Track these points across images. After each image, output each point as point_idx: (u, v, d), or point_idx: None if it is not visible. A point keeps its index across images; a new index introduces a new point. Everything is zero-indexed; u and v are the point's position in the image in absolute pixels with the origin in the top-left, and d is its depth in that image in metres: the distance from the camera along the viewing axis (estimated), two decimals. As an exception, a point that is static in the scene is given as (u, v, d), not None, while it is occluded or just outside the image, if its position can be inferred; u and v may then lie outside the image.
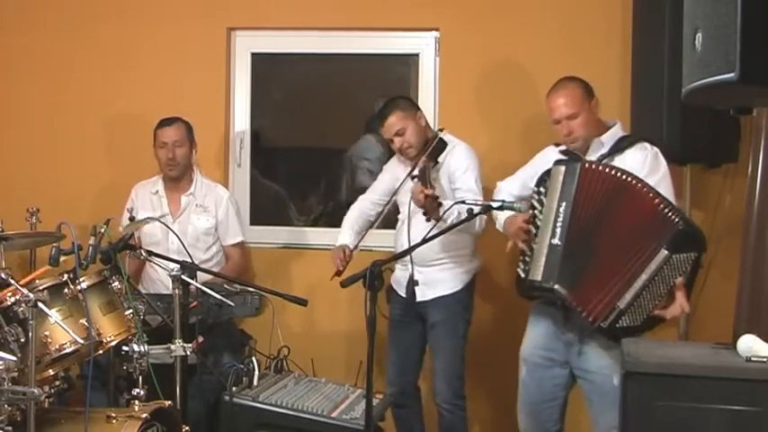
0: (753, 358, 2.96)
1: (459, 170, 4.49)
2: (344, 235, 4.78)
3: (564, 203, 3.84)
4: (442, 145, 4.53)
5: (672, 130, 4.05)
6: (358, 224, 4.81)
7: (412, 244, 4.34)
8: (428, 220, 4.12)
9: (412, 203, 4.42)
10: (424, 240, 3.96)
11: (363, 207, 4.88)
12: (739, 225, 3.55)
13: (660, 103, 4.37)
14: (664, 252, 3.59)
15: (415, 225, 4.48)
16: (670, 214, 3.63)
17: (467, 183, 4.46)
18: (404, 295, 4.63)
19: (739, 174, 4.48)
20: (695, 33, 2.97)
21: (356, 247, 4.71)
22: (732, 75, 2.73)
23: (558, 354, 4.03)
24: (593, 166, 3.85)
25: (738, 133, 4.49)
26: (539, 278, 3.85)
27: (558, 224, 3.83)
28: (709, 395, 2.90)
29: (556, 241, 3.82)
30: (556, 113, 4.00)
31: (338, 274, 4.60)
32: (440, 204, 4.11)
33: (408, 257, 4.41)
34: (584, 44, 4.92)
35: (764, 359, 2.94)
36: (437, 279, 4.58)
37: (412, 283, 4.59)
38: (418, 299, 4.59)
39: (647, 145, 3.95)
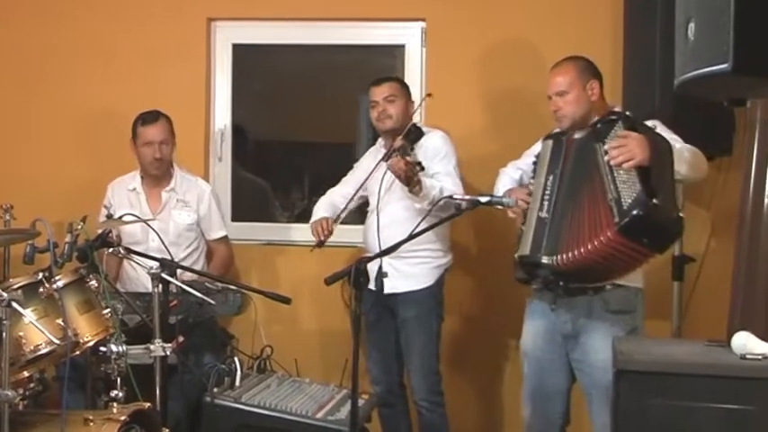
0: (747, 356, 2.97)
1: (438, 156, 4.56)
2: (319, 214, 4.83)
3: (551, 176, 3.91)
4: (419, 132, 4.64)
5: (664, 122, 4.06)
6: (329, 212, 4.84)
7: (381, 234, 4.49)
8: (410, 190, 4.27)
9: (382, 191, 4.59)
10: (411, 236, 3.96)
11: (333, 199, 4.93)
12: (734, 220, 3.56)
13: (652, 94, 4.39)
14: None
15: (385, 215, 4.60)
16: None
17: (445, 167, 4.55)
18: (373, 288, 4.64)
19: (734, 167, 4.50)
20: (688, 23, 2.97)
21: (335, 220, 4.74)
22: (726, 65, 2.74)
23: (557, 346, 4.05)
24: None
25: (733, 125, 4.51)
26: (527, 252, 3.87)
27: (546, 197, 3.88)
28: (702, 393, 2.90)
29: (544, 214, 3.86)
30: (549, 89, 4.08)
31: (320, 245, 4.67)
32: (422, 169, 4.23)
33: (377, 247, 4.43)
34: (575, 34, 4.93)
35: (759, 357, 2.95)
36: (407, 273, 4.61)
37: (380, 275, 4.60)
38: (386, 291, 4.61)
39: (651, 121, 3.98)
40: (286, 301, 4.28)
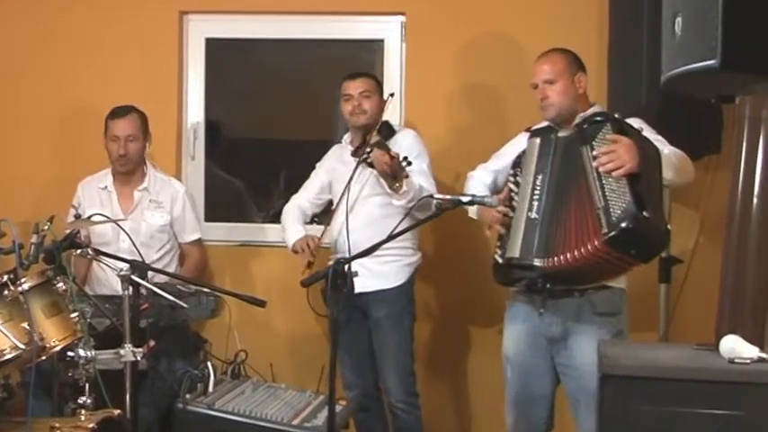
0: (736, 360, 2.97)
1: (411, 155, 4.53)
2: (297, 230, 4.84)
3: (540, 176, 3.89)
4: (391, 129, 4.71)
5: (651, 120, 4.07)
6: (300, 221, 4.89)
7: (353, 235, 4.50)
8: (391, 186, 4.33)
9: (351, 189, 4.61)
10: (390, 237, 3.95)
11: (301, 205, 4.97)
12: (722, 220, 3.57)
13: (639, 90, 4.39)
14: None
15: (356, 215, 4.62)
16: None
17: (419, 165, 4.57)
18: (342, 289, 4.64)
19: (722, 166, 4.52)
20: (675, 17, 2.98)
21: (320, 238, 4.77)
22: (714, 61, 2.75)
23: (541, 350, 4.04)
24: None
25: (721, 123, 4.52)
26: (516, 254, 3.84)
27: (536, 197, 3.86)
28: (690, 398, 2.90)
29: (533, 215, 3.84)
30: (535, 78, 4.09)
31: (310, 265, 4.67)
32: (409, 164, 4.26)
33: (346, 247, 4.43)
34: (559, 28, 4.93)
35: (748, 361, 2.96)
36: (378, 271, 4.61)
37: (350, 274, 4.60)
38: (357, 290, 4.60)
39: (633, 119, 3.98)
40: (261, 304, 4.25)
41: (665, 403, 2.92)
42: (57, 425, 3.56)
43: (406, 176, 4.31)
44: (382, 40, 5.39)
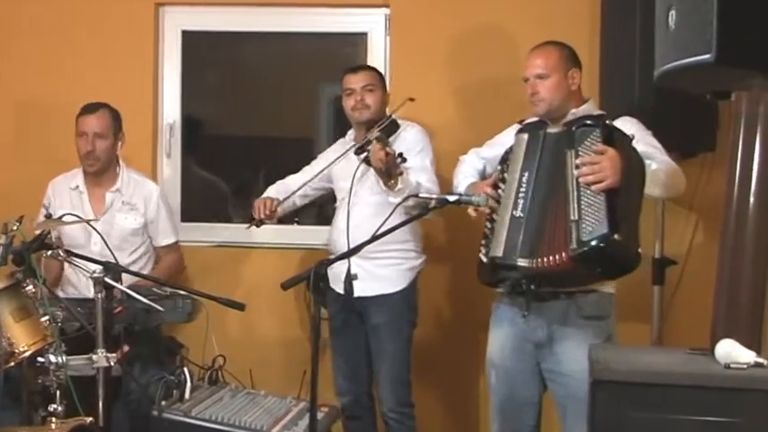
0: (732, 365, 2.98)
1: (414, 149, 4.55)
2: (268, 193, 4.83)
3: (527, 173, 3.89)
4: (395, 124, 4.65)
5: (644, 117, 4.07)
6: (283, 194, 4.81)
7: (351, 231, 4.47)
8: (386, 183, 4.29)
9: (353, 187, 4.58)
10: (375, 237, 3.93)
11: (287, 183, 4.89)
12: (717, 220, 3.58)
13: (631, 86, 4.40)
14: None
15: (356, 213, 4.57)
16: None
17: (422, 161, 4.56)
18: (341, 292, 4.62)
19: (717, 164, 4.53)
20: (669, 10, 2.99)
21: (281, 202, 4.73)
22: (708, 56, 2.75)
23: (527, 355, 4.03)
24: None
25: (716, 120, 4.53)
26: (500, 254, 3.84)
27: (521, 195, 3.86)
28: (684, 405, 2.91)
29: (518, 213, 3.84)
30: (527, 71, 4.08)
31: (258, 224, 4.67)
32: (404, 160, 4.23)
33: (345, 248, 4.40)
34: (549, 21, 4.93)
35: (744, 366, 2.96)
36: (379, 275, 4.61)
37: (349, 277, 4.59)
38: (356, 294, 4.59)
39: (627, 118, 4.00)
40: (239, 307, 4.24)
41: (659, 410, 2.92)
42: (26, 434, 3.55)
43: (401, 173, 4.29)
44: (366, 34, 5.38)
